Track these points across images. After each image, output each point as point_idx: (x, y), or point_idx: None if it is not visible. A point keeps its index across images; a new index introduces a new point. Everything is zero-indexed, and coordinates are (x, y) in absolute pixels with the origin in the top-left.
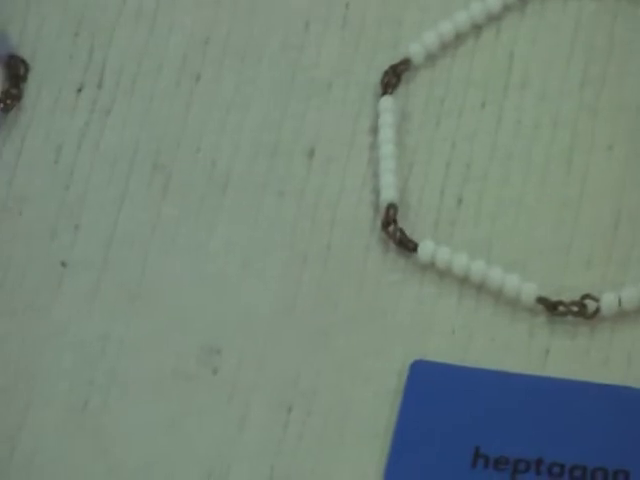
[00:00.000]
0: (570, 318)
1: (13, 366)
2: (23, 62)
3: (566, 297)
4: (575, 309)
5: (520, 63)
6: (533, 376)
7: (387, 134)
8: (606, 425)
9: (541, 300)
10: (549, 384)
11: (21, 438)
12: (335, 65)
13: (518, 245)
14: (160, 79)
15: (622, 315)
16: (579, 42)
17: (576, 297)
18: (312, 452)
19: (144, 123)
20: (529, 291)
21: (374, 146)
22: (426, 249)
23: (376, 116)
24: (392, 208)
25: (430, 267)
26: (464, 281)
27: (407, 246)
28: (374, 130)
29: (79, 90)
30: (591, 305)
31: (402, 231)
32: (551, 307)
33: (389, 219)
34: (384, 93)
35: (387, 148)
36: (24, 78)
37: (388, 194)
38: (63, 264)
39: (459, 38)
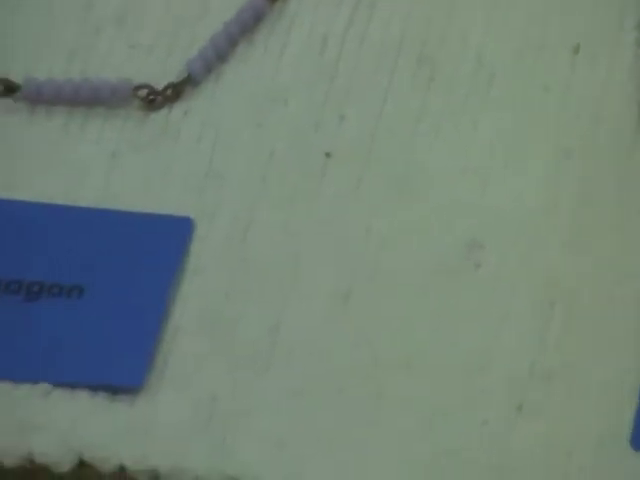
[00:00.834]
0: None
1: (276, 256)
2: None
3: None
4: None
5: None
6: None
7: None
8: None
9: None
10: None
11: (283, 328)
12: None
13: None
14: None
15: None
16: None
17: None
18: (573, 349)
19: (410, 17)
20: None
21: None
22: None
23: None
24: None
25: None
26: None
27: None
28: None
29: None
30: None
31: None
32: None
33: None
34: None
35: None
36: None
37: None
38: (327, 155)
39: None
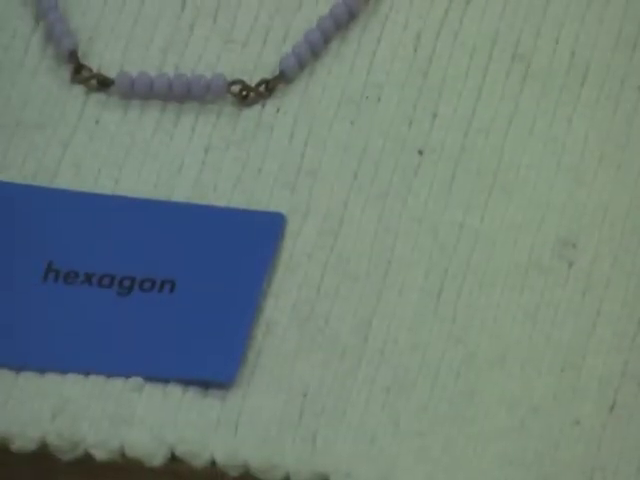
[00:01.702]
0: None
1: (368, 253)
2: None
3: None
4: None
5: None
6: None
7: None
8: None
9: None
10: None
11: (375, 324)
12: None
13: None
14: None
15: None
16: None
17: None
18: None
19: (504, 13)
20: None
21: None
22: None
23: None
24: None
25: None
26: None
27: None
28: None
29: None
30: None
31: None
32: None
33: None
34: None
35: None
36: None
37: None
38: (420, 152)
39: None
